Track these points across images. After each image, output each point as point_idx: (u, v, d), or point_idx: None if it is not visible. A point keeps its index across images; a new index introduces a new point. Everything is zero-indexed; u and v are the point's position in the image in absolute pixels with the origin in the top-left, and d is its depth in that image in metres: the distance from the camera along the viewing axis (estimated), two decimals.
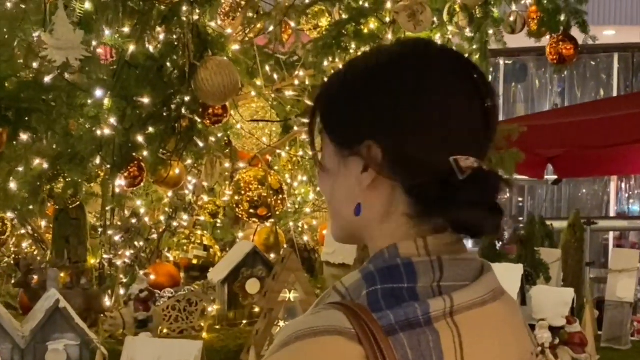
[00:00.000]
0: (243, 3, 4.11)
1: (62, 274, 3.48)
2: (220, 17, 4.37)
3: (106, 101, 3.19)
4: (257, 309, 3.72)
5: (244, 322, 3.80)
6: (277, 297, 3.17)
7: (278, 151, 5.13)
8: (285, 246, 4.86)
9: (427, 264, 1.08)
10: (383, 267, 1.09)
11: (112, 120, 3.26)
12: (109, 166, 3.54)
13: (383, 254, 1.11)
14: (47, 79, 3.01)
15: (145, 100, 3.36)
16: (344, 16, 4.20)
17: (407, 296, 1.05)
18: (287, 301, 3.19)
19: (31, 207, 3.78)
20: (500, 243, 5.70)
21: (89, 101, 3.23)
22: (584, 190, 13.82)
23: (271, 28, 4.20)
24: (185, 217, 4.63)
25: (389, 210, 1.12)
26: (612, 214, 13.38)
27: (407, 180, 1.10)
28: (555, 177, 9.28)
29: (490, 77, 10.46)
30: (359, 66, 1.16)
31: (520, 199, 14.19)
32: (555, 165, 8.74)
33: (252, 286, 3.76)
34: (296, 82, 4.80)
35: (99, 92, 3.18)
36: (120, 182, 3.57)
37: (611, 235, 12.91)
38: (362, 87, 1.13)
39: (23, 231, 4.43)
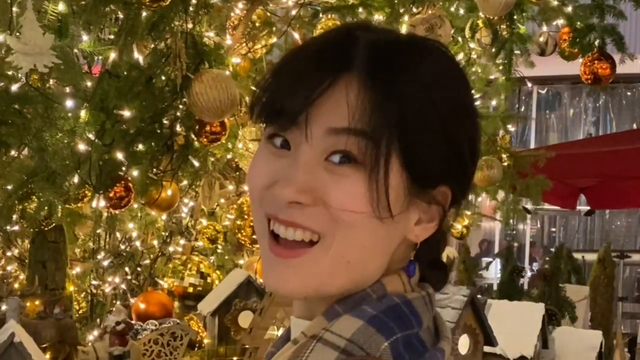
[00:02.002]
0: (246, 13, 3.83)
1: (35, 302, 3.19)
2: (228, 30, 4.10)
3: (83, 113, 2.90)
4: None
5: (235, 358, 3.49)
6: (263, 335, 2.86)
7: None
8: None
9: (421, 300, 0.96)
10: (385, 309, 0.93)
11: (91, 135, 2.97)
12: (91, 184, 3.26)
13: (367, 293, 0.95)
14: (15, 87, 2.73)
15: (128, 113, 3.06)
16: None
17: (417, 343, 0.93)
18: (275, 339, 2.88)
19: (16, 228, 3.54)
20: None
21: (69, 114, 2.95)
22: (618, 222, 13.52)
23: (274, 39, 3.91)
24: (181, 241, 4.34)
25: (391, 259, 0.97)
26: None
27: None
28: (588, 208, 9.12)
29: (521, 105, 10.22)
30: (452, 87, 0.96)
31: (553, 229, 13.91)
32: (587, 196, 8.59)
33: (245, 319, 3.45)
34: None
35: (73, 103, 2.89)
36: (102, 203, 3.28)
37: None
38: (461, 119, 0.95)
39: (9, 253, 4.17)
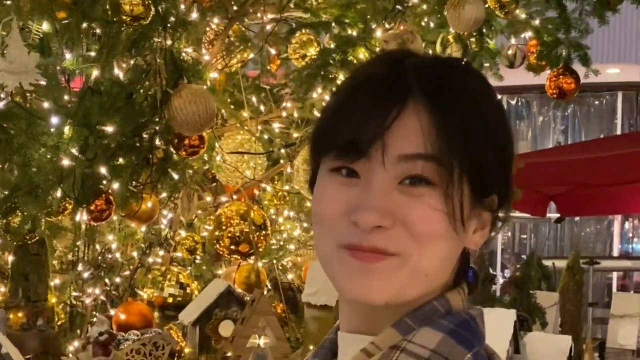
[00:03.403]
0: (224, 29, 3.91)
1: (19, 314, 3.25)
2: (205, 45, 4.18)
3: (67, 129, 2.97)
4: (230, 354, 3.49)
5: None
6: (245, 343, 2.94)
7: (263, 185, 4.92)
8: (268, 285, 4.64)
9: (481, 318, 1.02)
10: (459, 324, 0.99)
11: (74, 150, 3.04)
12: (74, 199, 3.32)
13: (435, 307, 1.00)
14: (1, 104, 2.79)
15: (110, 129, 3.13)
16: (332, 45, 4.00)
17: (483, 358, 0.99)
18: (257, 348, 2.95)
19: None
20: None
21: (52, 130, 3.02)
22: (588, 229, 13.64)
23: (252, 55, 4.00)
24: (161, 253, 4.40)
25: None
26: (616, 253, 13.18)
27: None
28: (558, 215, 9.17)
29: None
30: (494, 101, 1.03)
31: (524, 237, 14.01)
32: (558, 204, 8.64)
33: (226, 329, 3.52)
34: (284, 114, 4.62)
35: (58, 120, 2.96)
36: (84, 216, 3.34)
37: (615, 275, 12.68)
38: (505, 130, 1.03)
39: None
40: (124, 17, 2.93)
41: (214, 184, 4.82)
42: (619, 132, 12.82)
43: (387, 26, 3.84)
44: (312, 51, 4.19)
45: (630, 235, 13.79)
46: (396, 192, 0.96)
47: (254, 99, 4.70)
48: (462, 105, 0.97)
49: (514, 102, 13.28)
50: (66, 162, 3.04)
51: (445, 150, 0.95)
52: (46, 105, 2.99)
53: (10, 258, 4.12)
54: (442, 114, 0.96)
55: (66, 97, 3.19)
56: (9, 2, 2.84)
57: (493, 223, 1.03)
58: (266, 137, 4.80)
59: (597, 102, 13.17)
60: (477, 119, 0.98)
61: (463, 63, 1.07)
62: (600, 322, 9.54)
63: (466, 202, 0.97)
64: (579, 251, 5.93)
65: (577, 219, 12.49)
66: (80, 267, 4.00)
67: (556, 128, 13.50)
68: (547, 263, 6.51)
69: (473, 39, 4.11)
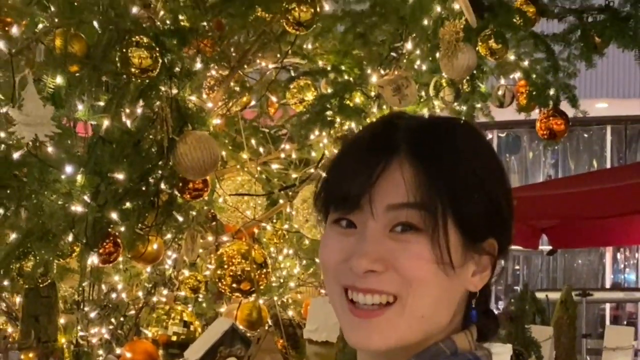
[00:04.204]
0: (226, 75, 4.05)
1: (30, 355, 3.35)
2: (204, 90, 4.32)
3: (79, 177, 3.10)
4: None
5: None
6: None
7: (263, 224, 5.04)
8: (269, 321, 4.74)
9: (487, 358, 1.10)
10: None
11: (85, 196, 3.17)
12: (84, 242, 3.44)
13: (440, 348, 1.09)
14: (16, 155, 2.92)
15: (120, 175, 3.26)
16: (329, 90, 4.14)
17: None
18: None
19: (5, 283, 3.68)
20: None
21: (62, 177, 3.15)
22: (580, 261, 13.74)
23: (253, 102, 4.15)
24: (164, 292, 4.51)
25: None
26: (608, 283, 13.28)
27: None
28: (550, 247, 9.24)
29: None
30: (484, 154, 1.13)
31: (517, 267, 14.10)
32: (549, 236, 8.72)
33: None
34: (282, 155, 4.75)
35: (71, 168, 3.09)
36: (93, 258, 3.46)
37: (607, 305, 12.78)
38: (496, 180, 1.12)
39: None
40: (133, 70, 3.07)
41: (214, 222, 4.92)
42: (608, 165, 12.99)
43: (382, 72, 3.99)
44: (310, 95, 4.34)
45: (622, 266, 13.91)
46: (387, 239, 1.07)
47: (253, 141, 4.82)
48: (444, 155, 1.08)
49: (504, 136, 13.46)
50: (78, 208, 3.17)
51: (427, 198, 1.05)
52: (58, 153, 3.11)
53: (18, 299, 4.24)
54: (424, 163, 1.07)
55: (72, 143, 3.33)
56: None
57: (494, 266, 1.12)
58: (265, 176, 4.92)
59: (586, 136, 13.34)
60: (461, 168, 1.08)
61: (458, 121, 1.17)
62: (594, 352, 9.61)
63: (455, 245, 1.07)
64: (571, 285, 6.05)
65: (569, 250, 12.59)
66: (86, 307, 4.10)
67: (546, 162, 13.66)
68: (541, 295, 6.60)
69: (465, 82, 4.26)
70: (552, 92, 4.57)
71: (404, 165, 1.08)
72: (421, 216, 1.06)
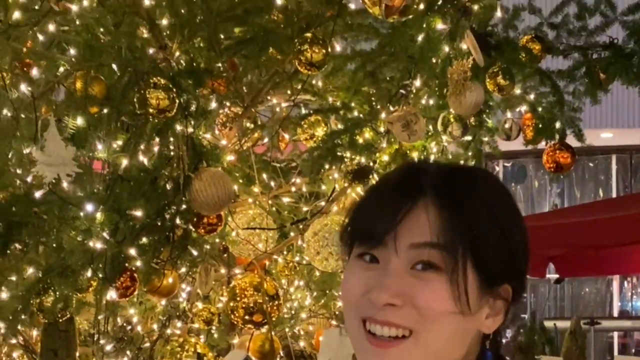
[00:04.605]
0: (239, 112, 4.14)
1: None
2: (217, 127, 4.42)
3: (98, 214, 3.19)
4: None
5: None
6: None
7: (275, 257, 5.10)
8: (281, 353, 4.80)
9: None
10: None
11: (104, 233, 3.26)
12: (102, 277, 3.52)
13: None
14: (38, 194, 3.01)
15: (138, 212, 3.35)
16: (340, 126, 4.23)
17: None
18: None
19: (23, 317, 3.75)
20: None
21: (81, 214, 3.24)
22: (587, 289, 13.75)
23: (265, 140, 4.24)
24: (179, 324, 4.58)
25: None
26: (615, 311, 13.28)
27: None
28: (557, 276, 9.27)
29: None
30: (506, 204, 1.20)
31: (524, 296, 14.09)
32: (556, 265, 8.75)
33: None
34: (293, 188, 4.82)
35: (91, 206, 3.18)
36: (110, 293, 3.54)
37: (616, 333, 12.78)
38: (516, 230, 1.18)
39: (14, 341, 4.37)
40: (151, 110, 3.17)
41: (225, 254, 4.99)
42: (613, 194, 13.05)
43: (391, 108, 4.07)
44: (320, 131, 4.42)
45: (629, 294, 13.91)
46: (408, 276, 1.14)
47: (264, 175, 4.90)
48: (468, 201, 1.16)
49: (509, 165, 13.54)
50: (97, 244, 3.25)
51: (450, 239, 1.13)
52: (78, 191, 3.20)
53: (35, 332, 4.31)
54: (449, 207, 1.15)
55: (91, 182, 3.42)
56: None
57: (507, 311, 1.20)
58: (276, 209, 4.99)
59: (591, 164, 13.42)
60: (483, 213, 1.15)
61: (481, 170, 1.27)
62: None
63: (472, 287, 1.14)
64: (580, 317, 6.10)
65: (577, 278, 12.61)
66: (101, 340, 4.17)
67: (552, 191, 13.72)
68: (549, 324, 6.65)
69: (472, 117, 4.34)
70: (558, 125, 4.65)
71: (429, 207, 1.15)
72: (442, 256, 1.13)
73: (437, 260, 1.13)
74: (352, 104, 4.06)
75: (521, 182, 13.70)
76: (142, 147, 3.39)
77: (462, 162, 5.13)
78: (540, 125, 4.73)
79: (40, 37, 3.16)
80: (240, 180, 4.90)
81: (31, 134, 2.99)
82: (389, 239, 1.15)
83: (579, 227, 7.95)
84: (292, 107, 4.07)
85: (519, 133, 5.18)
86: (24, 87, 3.07)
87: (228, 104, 3.86)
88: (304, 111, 4.30)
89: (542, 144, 4.81)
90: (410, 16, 3.05)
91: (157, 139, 3.43)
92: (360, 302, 1.16)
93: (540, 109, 4.80)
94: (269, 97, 4.29)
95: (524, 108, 5.00)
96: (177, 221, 3.78)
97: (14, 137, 3.02)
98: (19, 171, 3.14)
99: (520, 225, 1.21)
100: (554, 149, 4.38)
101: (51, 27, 3.15)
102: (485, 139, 4.87)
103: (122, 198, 3.21)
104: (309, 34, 3.40)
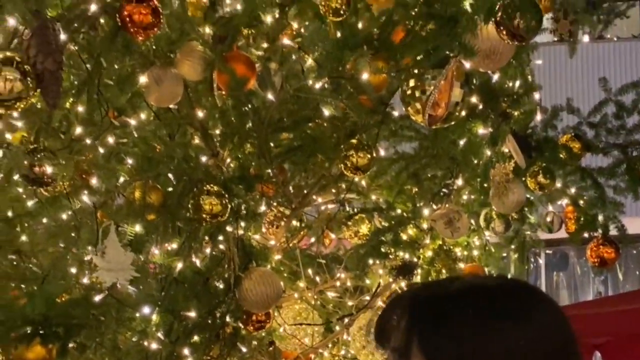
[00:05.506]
0: (287, 212, 4.27)
1: None
2: (264, 225, 4.54)
3: (154, 316, 3.31)
4: None
5: None
6: None
7: (320, 350, 5.16)
8: None
9: None
10: None
11: (159, 333, 3.37)
12: None
13: None
14: (97, 298, 3.14)
15: (192, 313, 3.46)
16: (384, 223, 4.34)
17: None
18: None
19: None
20: None
21: (137, 315, 3.36)
22: None
23: (312, 239, 4.36)
24: None
25: None
26: None
27: None
28: None
29: (531, 266, 10.55)
30: (457, 303, 1.30)
31: None
32: (602, 353, 8.65)
33: None
34: (337, 283, 4.91)
35: (147, 308, 3.31)
36: None
37: None
38: (467, 328, 1.27)
39: None
40: (204, 215, 3.31)
41: (271, 348, 5.06)
42: None
43: (434, 206, 4.18)
44: (364, 228, 4.53)
45: None
46: None
47: (309, 270, 5.00)
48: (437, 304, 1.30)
49: (551, 253, 13.50)
50: (152, 345, 3.36)
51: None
52: (135, 294, 3.33)
53: None
54: None
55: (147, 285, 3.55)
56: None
57: None
58: (321, 303, 5.07)
59: (634, 252, 13.33)
60: (443, 314, 1.28)
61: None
62: None
63: None
64: None
65: None
66: None
67: (595, 278, 13.64)
68: None
69: (514, 214, 4.43)
70: (600, 218, 4.72)
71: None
72: None
73: None
74: (394, 204, 4.17)
75: (563, 270, 13.65)
76: (195, 249, 3.52)
77: (504, 254, 5.21)
78: (582, 219, 4.79)
79: (100, 149, 3.34)
80: (286, 275, 5.01)
81: (92, 240, 3.13)
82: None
83: (625, 315, 7.89)
84: (338, 207, 4.20)
85: (560, 226, 5.24)
86: (86, 198, 3.24)
87: (276, 204, 3.99)
88: (348, 209, 4.42)
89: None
90: (453, 122, 3.17)
91: (209, 241, 3.56)
92: None
93: (581, 202, 4.87)
94: (314, 197, 4.42)
95: (565, 201, 5.08)
96: (227, 319, 3.89)
97: (75, 244, 3.17)
98: (78, 275, 3.27)
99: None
100: (597, 245, 4.44)
101: (110, 140, 3.33)
102: (528, 232, 4.95)
103: (177, 299, 3.33)
104: (354, 140, 3.54)
